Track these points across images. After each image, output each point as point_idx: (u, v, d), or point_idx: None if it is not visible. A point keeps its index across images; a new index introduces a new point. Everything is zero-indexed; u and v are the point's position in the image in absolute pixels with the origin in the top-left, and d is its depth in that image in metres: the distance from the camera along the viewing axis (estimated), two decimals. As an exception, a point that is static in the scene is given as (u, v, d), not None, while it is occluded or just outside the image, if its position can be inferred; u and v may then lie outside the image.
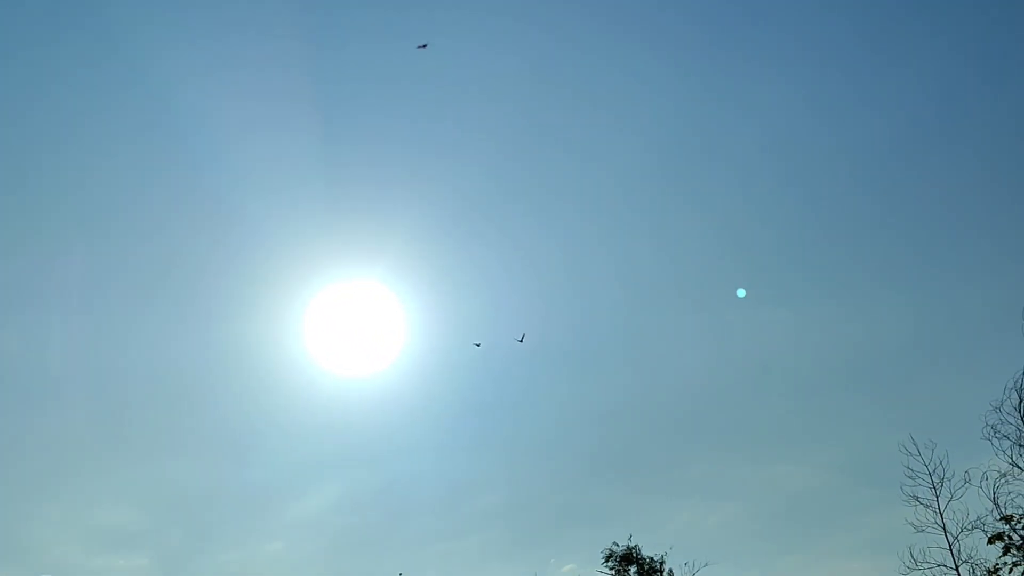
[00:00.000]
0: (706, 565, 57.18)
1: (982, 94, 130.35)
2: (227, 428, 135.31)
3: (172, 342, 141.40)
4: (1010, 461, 34.43)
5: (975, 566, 35.14)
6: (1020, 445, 34.34)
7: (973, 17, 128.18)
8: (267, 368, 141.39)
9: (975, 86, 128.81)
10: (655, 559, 55.96)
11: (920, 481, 36.97)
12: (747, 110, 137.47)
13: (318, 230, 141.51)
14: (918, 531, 36.48)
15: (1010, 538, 35.21)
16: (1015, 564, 35.03)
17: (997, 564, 35.14)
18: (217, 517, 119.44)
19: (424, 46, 64.10)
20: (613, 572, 56.81)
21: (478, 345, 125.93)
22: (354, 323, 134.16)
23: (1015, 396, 34.95)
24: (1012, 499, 34.98)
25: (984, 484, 35.40)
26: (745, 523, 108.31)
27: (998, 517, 35.16)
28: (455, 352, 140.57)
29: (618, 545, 57.05)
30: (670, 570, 54.99)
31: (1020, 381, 34.92)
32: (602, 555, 57.02)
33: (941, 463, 36.78)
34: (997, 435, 35.06)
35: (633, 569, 56.20)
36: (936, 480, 36.66)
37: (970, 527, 35.50)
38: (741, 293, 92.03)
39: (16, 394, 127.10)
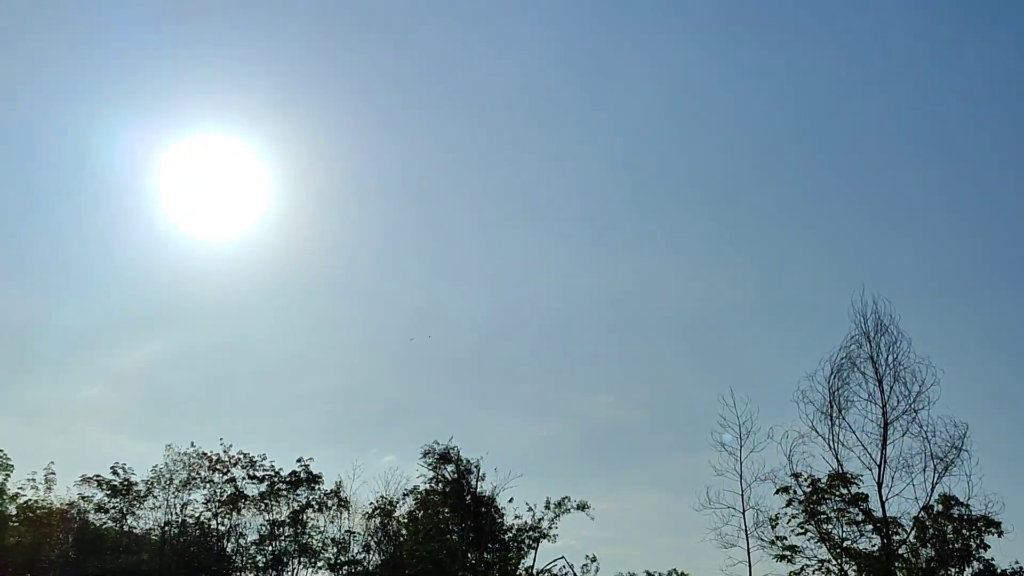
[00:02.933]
0: (520, 476, 62.18)
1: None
2: (60, 265, 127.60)
3: (14, 162, 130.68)
4: (810, 425, 40.22)
5: (759, 512, 40.98)
6: (822, 413, 39.88)
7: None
8: (113, 212, 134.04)
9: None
10: (471, 461, 59.99)
11: (728, 430, 42.17)
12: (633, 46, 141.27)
13: (187, 71, 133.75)
14: (718, 474, 42.10)
15: (795, 492, 41.40)
16: (794, 516, 41.24)
17: (779, 513, 41.24)
18: (34, 353, 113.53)
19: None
20: (430, 468, 60.48)
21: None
22: (215, 181, 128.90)
23: (828, 368, 40.41)
24: (804, 459, 41.09)
25: (784, 442, 41.10)
26: (560, 443, 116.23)
27: (789, 473, 41.07)
28: (313, 227, 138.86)
29: (438, 444, 60.63)
30: (483, 473, 59.27)
31: (835, 356, 40.36)
32: (421, 451, 60.39)
33: (751, 417, 42.01)
34: (804, 400, 40.67)
35: (450, 468, 60.14)
36: (743, 432, 41.88)
37: (763, 477, 41.23)
38: None
39: None
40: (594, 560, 54.01)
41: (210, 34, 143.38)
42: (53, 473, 61.11)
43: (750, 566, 41.04)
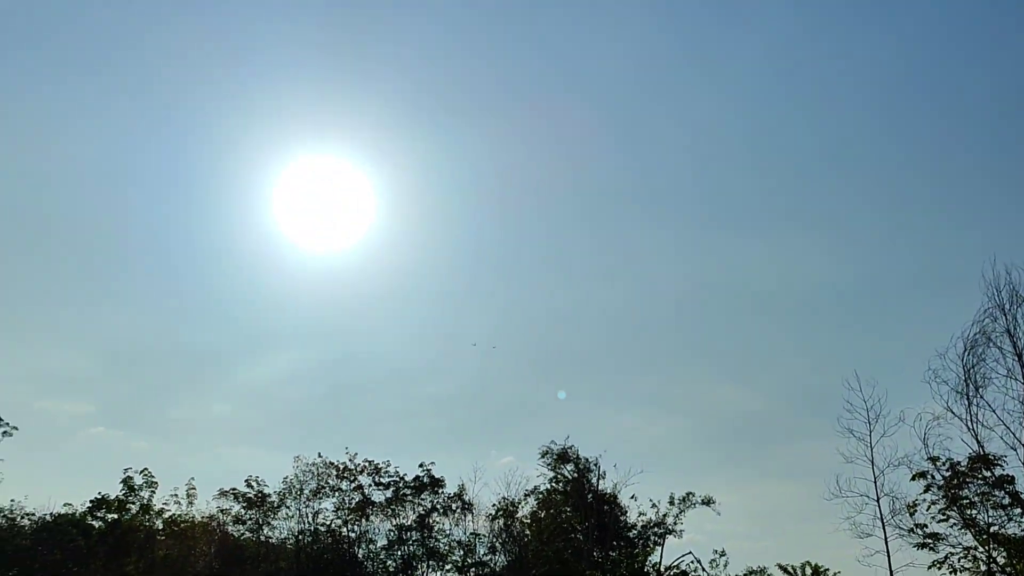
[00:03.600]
0: (641, 472, 61.91)
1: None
2: (185, 285, 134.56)
3: (135, 185, 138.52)
4: (945, 406, 37.83)
5: (895, 499, 39.21)
6: (957, 392, 37.57)
7: None
8: (232, 232, 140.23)
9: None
10: (590, 460, 59.98)
11: (856, 415, 40.46)
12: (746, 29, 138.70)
13: (295, 99, 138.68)
14: (847, 462, 40.30)
15: (933, 477, 39.54)
16: (933, 502, 39.38)
17: (916, 500, 39.42)
18: (167, 372, 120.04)
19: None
20: (549, 468, 60.79)
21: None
22: (324, 199, 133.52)
23: (961, 345, 37.99)
24: (940, 441, 38.84)
25: (917, 425, 39.03)
26: (681, 437, 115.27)
27: (925, 457, 39.10)
28: (421, 241, 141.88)
29: (556, 444, 60.87)
30: (604, 471, 59.18)
31: (968, 331, 37.89)
32: (539, 452, 60.74)
33: (879, 400, 40.06)
34: (937, 380, 38.28)
35: (569, 467, 60.27)
36: (872, 416, 40.04)
37: (896, 463, 39.37)
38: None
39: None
40: (723, 554, 53.22)
41: (314, 55, 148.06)
42: (194, 488, 64.32)
43: (889, 556, 39.39)
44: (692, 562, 49.05)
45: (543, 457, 61.34)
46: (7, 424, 62.11)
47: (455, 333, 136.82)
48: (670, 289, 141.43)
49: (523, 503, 64.70)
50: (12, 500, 65.03)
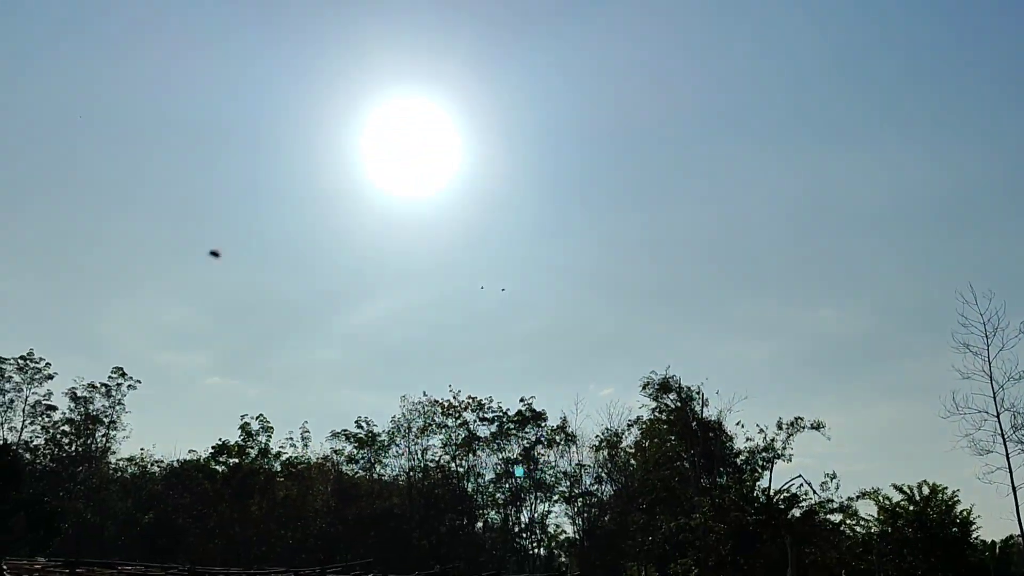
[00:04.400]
0: (745, 398, 61.08)
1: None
2: (284, 238, 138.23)
3: (229, 143, 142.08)
4: None
5: (1017, 414, 37.09)
6: None
7: None
8: (325, 182, 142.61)
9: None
10: (692, 389, 59.21)
11: (972, 330, 38.00)
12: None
13: (382, 39, 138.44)
14: (964, 378, 37.97)
15: (1059, 389, 37.19)
16: (1061, 414, 37.03)
17: (1041, 413, 37.08)
18: (274, 322, 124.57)
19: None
20: (651, 398, 60.36)
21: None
22: (410, 142, 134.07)
23: None
24: (1065, 350, 36.15)
25: (1038, 336, 36.22)
26: (784, 362, 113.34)
27: (1049, 368, 36.42)
28: (508, 177, 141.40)
29: (656, 374, 60.27)
30: (706, 399, 58.39)
31: None
32: (640, 383, 60.30)
33: (996, 313, 37.52)
34: None
35: (671, 396, 59.74)
36: (989, 330, 37.63)
37: (1017, 376, 36.96)
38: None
39: (88, 199, 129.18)
40: (834, 477, 52.04)
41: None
42: (307, 431, 66.94)
43: (1011, 472, 37.64)
44: (802, 486, 48.06)
45: (644, 388, 60.77)
46: (132, 378, 65.80)
47: (549, 268, 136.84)
48: (766, 210, 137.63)
49: (626, 433, 65.00)
50: (142, 449, 69.26)
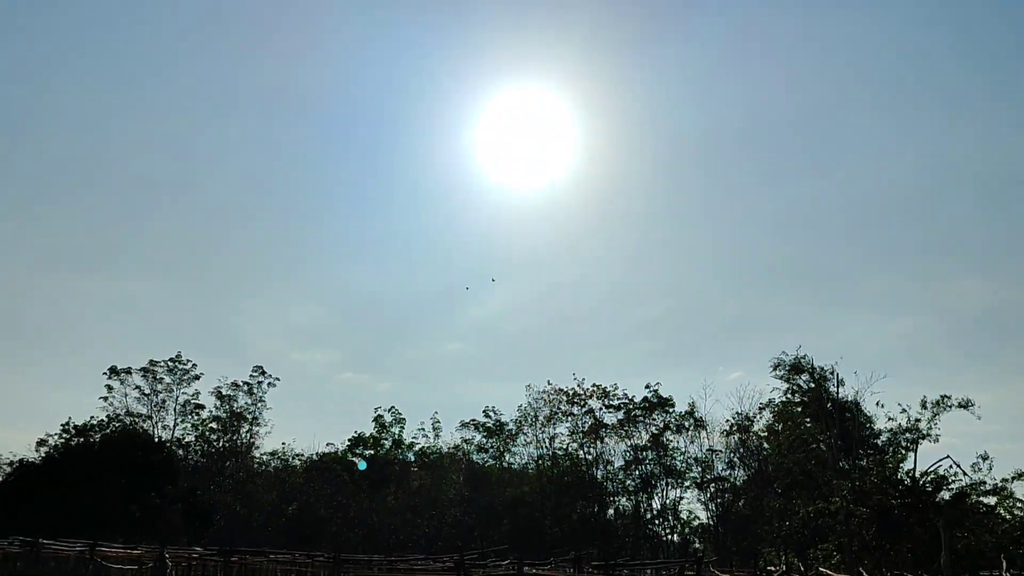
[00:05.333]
0: (884, 377, 58.22)
1: None
2: (404, 234, 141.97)
3: (350, 159, 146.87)
4: None
5: None
6: None
7: None
8: (445, 177, 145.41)
9: None
10: (826, 368, 57.15)
11: None
12: None
13: (499, 30, 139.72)
14: None
15: None
16: None
17: None
18: (401, 318, 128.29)
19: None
20: (782, 380, 58.60)
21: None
22: (525, 132, 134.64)
23: None
24: None
25: None
26: (924, 337, 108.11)
27: None
28: (624, 163, 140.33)
29: (787, 355, 58.51)
30: (842, 379, 56.23)
31: None
32: (771, 364, 58.69)
33: None
34: None
35: (804, 377, 57.83)
36: None
37: None
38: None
39: (224, 204, 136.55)
40: (986, 458, 49.01)
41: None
42: (438, 422, 68.57)
43: None
44: (951, 467, 45.46)
45: (775, 369, 59.08)
46: (271, 376, 69.07)
47: (670, 252, 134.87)
48: (895, 181, 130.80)
49: (758, 417, 63.35)
50: (283, 443, 72.57)
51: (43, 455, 55.59)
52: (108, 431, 60.11)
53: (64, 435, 61.09)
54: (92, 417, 62.91)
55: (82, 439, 58.83)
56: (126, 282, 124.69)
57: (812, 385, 58.04)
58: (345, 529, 61.66)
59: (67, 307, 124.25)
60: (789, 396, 59.66)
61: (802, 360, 58.81)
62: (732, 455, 63.92)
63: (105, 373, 65.81)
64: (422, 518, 63.07)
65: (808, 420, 58.72)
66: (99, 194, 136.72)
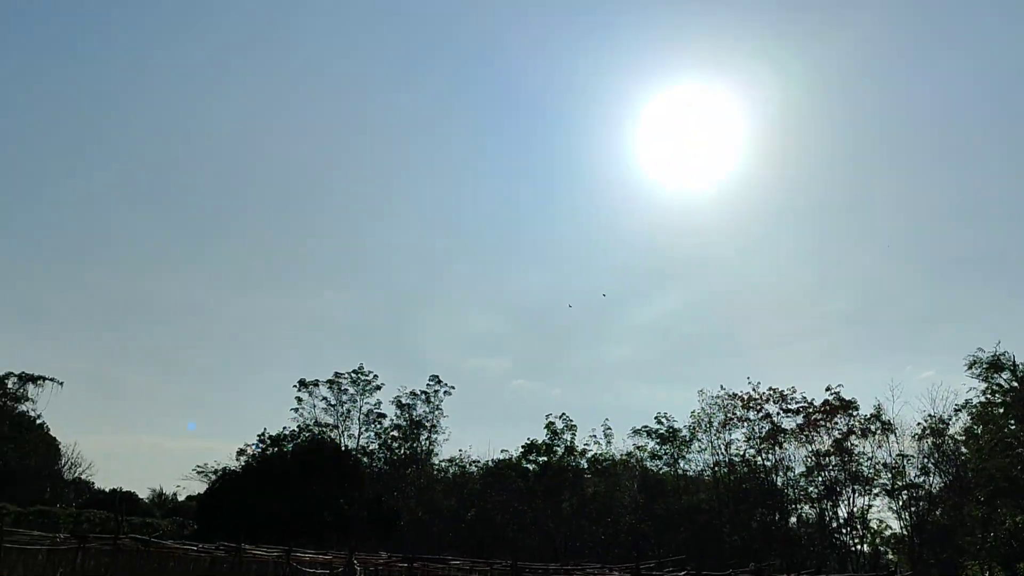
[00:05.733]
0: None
1: None
2: (567, 240, 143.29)
3: (513, 163, 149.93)
4: None
5: None
6: None
7: None
8: (603, 183, 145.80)
9: None
10: (1029, 366, 52.65)
11: None
12: None
13: (656, 26, 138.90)
14: None
15: None
16: None
17: None
18: (569, 324, 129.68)
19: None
20: (980, 379, 54.57)
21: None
22: (688, 131, 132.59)
23: None
24: None
25: None
26: None
27: None
28: (796, 156, 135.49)
29: (984, 352, 54.59)
30: (1050, 377, 51.61)
31: None
32: (966, 362, 54.86)
33: None
34: None
35: (1004, 376, 53.59)
36: None
37: None
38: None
39: (398, 218, 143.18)
40: None
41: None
42: (609, 428, 68.42)
43: None
44: None
45: (971, 368, 54.94)
46: (447, 384, 71.32)
47: (851, 246, 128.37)
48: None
49: (954, 419, 59.03)
50: (460, 450, 74.56)
51: (243, 464, 60.24)
52: (299, 440, 64.26)
53: (260, 444, 65.92)
54: (285, 428, 67.72)
55: (276, 448, 63.22)
56: (312, 299, 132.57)
57: (1015, 384, 53.54)
58: (522, 535, 62.56)
59: (261, 325, 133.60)
60: (988, 396, 55.27)
61: (1001, 357, 54.49)
62: (926, 460, 59.87)
63: (295, 386, 70.40)
64: (597, 525, 63.02)
65: (1012, 422, 54.16)
66: (282, 214, 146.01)
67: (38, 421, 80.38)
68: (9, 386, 78.53)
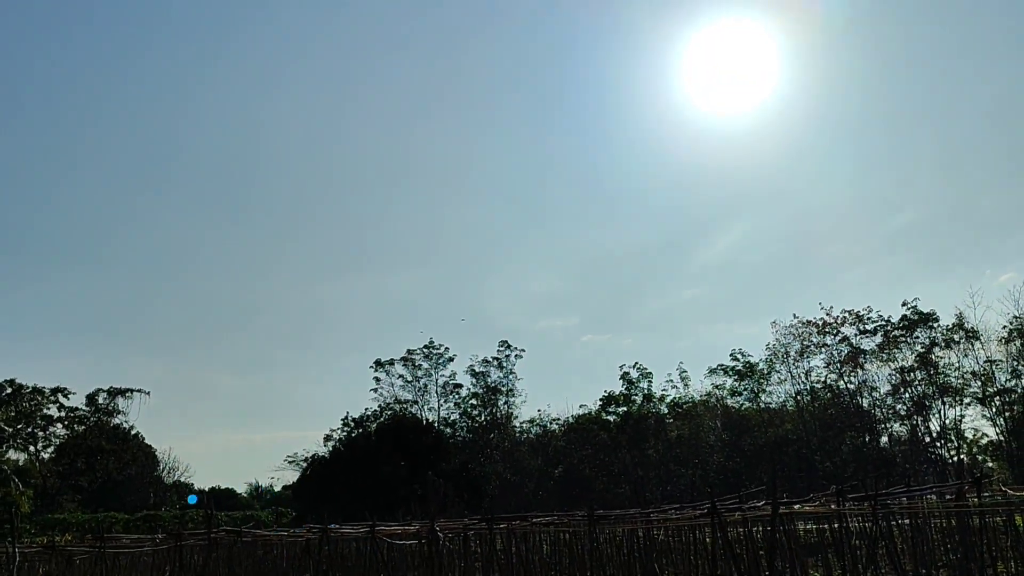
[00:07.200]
0: None
1: None
2: (623, 190, 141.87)
3: (559, 116, 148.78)
4: None
5: None
6: None
7: None
8: (650, 123, 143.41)
9: None
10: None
11: None
12: None
13: None
14: None
15: None
16: None
17: None
18: (633, 273, 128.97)
19: None
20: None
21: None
22: (727, 59, 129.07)
23: None
24: None
25: None
26: None
27: None
28: (837, 71, 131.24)
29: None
30: None
31: None
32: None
33: None
34: None
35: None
36: None
37: None
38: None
39: (448, 187, 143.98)
40: None
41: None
42: (685, 371, 68.10)
43: None
44: None
45: (1053, 263, 53.04)
46: (517, 348, 71.85)
47: (908, 159, 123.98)
48: None
49: (1041, 317, 57.04)
50: (539, 410, 75.16)
51: (330, 448, 62.00)
52: (381, 419, 65.76)
53: (345, 428, 67.65)
54: (366, 409, 69.43)
55: (360, 430, 64.85)
56: (379, 278, 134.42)
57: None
58: (612, 486, 62.96)
59: (333, 310, 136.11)
60: (1074, 290, 53.26)
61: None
62: (1015, 363, 58.07)
63: (371, 367, 71.88)
64: (686, 467, 63.03)
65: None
66: (345, 197, 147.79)
67: (132, 432, 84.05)
68: (100, 401, 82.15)
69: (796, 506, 15.97)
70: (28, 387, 77.40)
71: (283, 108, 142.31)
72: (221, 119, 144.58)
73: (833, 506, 17.30)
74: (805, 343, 63.82)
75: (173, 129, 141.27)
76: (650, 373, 67.16)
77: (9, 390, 75.39)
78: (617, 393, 67.26)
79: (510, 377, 71.64)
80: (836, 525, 18.65)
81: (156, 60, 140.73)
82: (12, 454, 73.25)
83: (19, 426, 75.86)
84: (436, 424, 67.84)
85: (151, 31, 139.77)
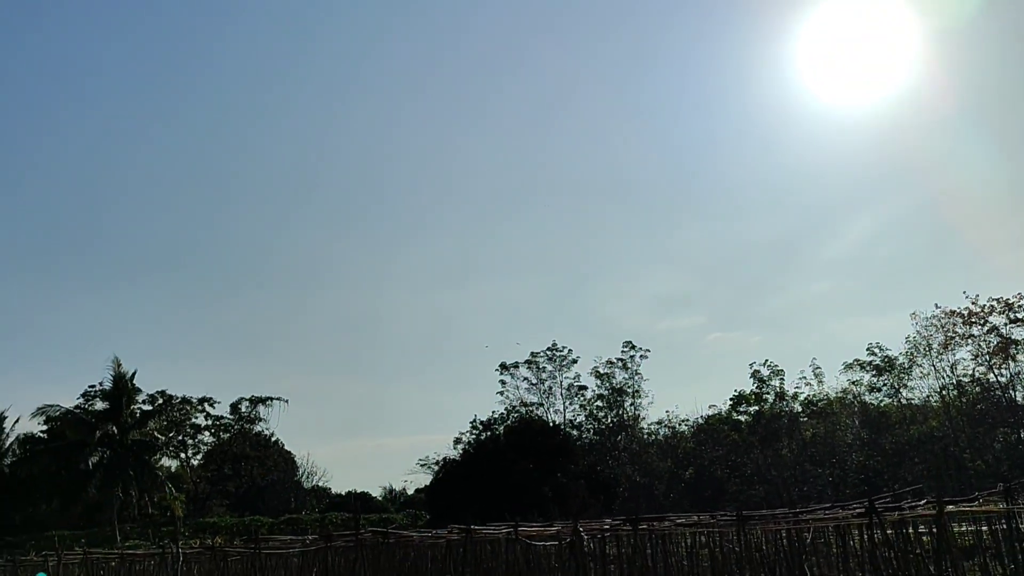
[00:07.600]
0: None
1: None
2: (743, 184, 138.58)
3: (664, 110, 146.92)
4: None
5: None
6: None
7: None
8: (769, 115, 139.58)
9: None
10: None
11: None
12: None
13: None
14: None
15: None
16: None
17: None
18: (758, 267, 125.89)
19: None
20: None
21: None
22: (848, 43, 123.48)
23: None
24: None
25: None
26: None
27: None
28: (973, 52, 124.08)
29: None
30: None
31: None
32: None
33: None
34: None
35: None
36: None
37: None
38: None
39: (570, 194, 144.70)
40: None
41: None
42: (819, 368, 65.60)
43: None
44: None
45: None
46: (641, 349, 71.10)
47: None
48: None
49: None
50: (667, 411, 74.04)
51: (460, 451, 63.06)
52: (508, 422, 66.37)
53: (474, 431, 68.59)
54: (493, 412, 70.16)
55: (488, 432, 65.61)
56: (501, 285, 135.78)
57: None
58: (745, 487, 61.35)
59: (458, 318, 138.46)
60: None
61: None
62: None
63: (496, 370, 72.68)
64: (823, 467, 60.74)
65: None
66: (462, 207, 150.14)
67: (273, 439, 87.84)
68: (243, 410, 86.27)
69: (962, 505, 15.10)
70: (177, 397, 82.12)
71: (406, 117, 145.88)
72: (357, 133, 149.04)
73: (1002, 505, 16.27)
74: (949, 335, 60.38)
75: (318, 145, 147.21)
76: (781, 371, 65.11)
77: (160, 401, 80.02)
78: (748, 392, 65.51)
79: (636, 378, 70.96)
80: (1005, 526, 17.47)
81: (306, 77, 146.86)
82: (165, 461, 77.60)
83: (171, 434, 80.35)
84: (563, 426, 67.89)
85: (307, 39, 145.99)
